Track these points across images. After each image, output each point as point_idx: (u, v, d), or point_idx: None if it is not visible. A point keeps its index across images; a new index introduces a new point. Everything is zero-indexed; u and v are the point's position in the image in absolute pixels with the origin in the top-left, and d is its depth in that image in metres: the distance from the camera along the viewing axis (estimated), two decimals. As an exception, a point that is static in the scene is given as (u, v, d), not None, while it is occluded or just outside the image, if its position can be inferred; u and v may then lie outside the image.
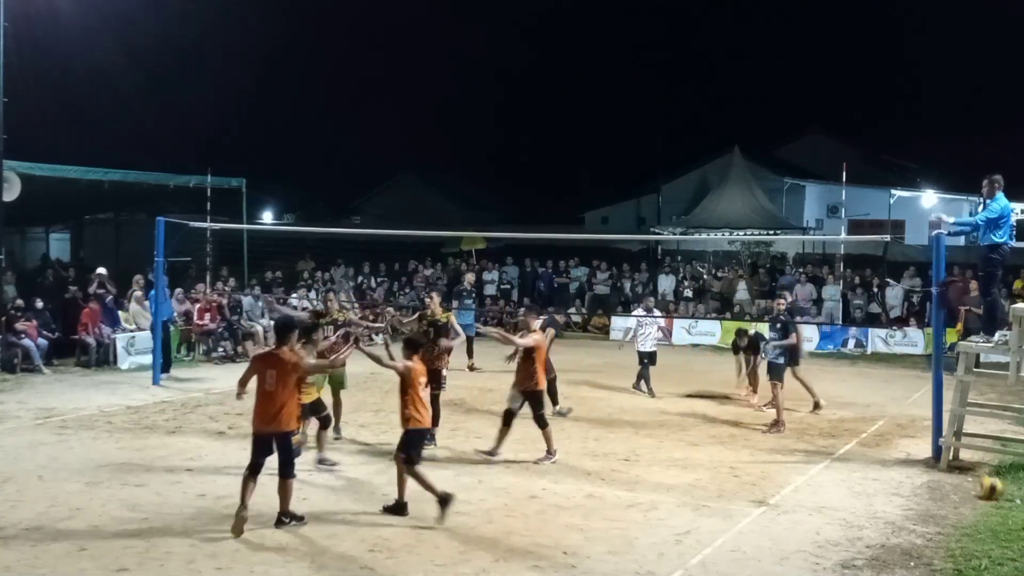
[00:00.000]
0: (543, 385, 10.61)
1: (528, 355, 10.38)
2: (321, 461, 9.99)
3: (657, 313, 15.60)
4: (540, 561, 7.31)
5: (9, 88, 16.50)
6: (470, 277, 20.40)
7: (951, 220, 11.24)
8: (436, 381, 10.70)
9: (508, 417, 10.48)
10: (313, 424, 10.25)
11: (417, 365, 8.59)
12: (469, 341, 17.07)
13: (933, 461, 10.60)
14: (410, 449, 8.41)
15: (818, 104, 62.58)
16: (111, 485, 9.19)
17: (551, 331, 13.69)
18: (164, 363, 16.01)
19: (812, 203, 35.07)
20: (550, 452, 10.45)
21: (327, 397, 10.67)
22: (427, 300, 11.59)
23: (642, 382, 15.01)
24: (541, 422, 10.47)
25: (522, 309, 11.84)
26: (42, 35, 24.36)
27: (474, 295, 19.35)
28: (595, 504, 8.89)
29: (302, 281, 23.08)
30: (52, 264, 24.10)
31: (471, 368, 17.07)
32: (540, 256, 25.80)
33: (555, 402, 13.29)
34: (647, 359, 15.02)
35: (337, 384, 11.24)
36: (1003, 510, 8.81)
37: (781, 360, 12.49)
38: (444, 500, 8.19)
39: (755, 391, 14.15)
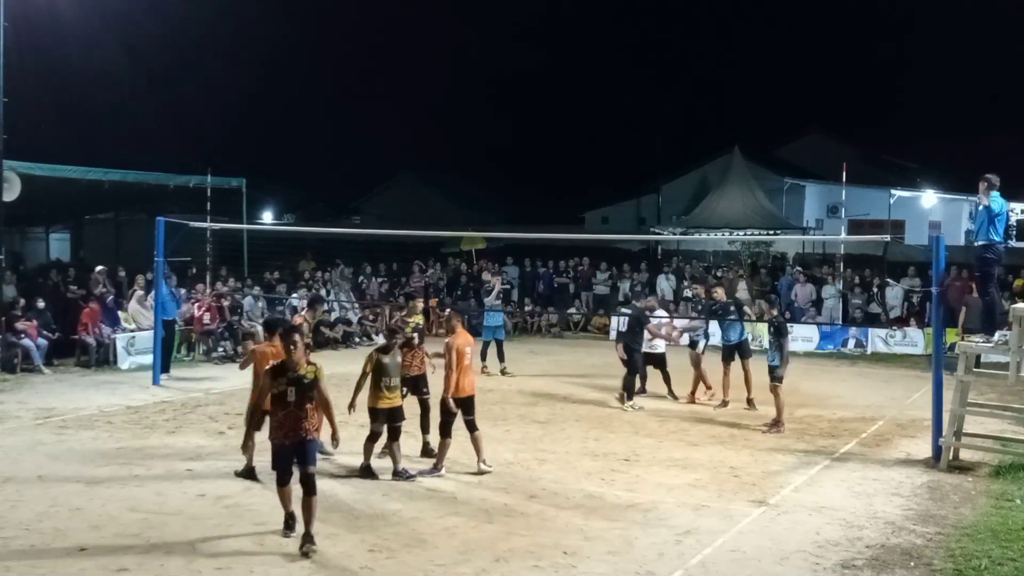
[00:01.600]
0: (461, 392, 9.68)
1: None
2: (397, 474, 9.60)
3: (661, 313, 15.50)
4: (540, 561, 7.32)
5: (9, 88, 16.49)
6: (495, 280, 20.46)
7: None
8: (420, 386, 10.61)
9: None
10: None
11: (266, 349, 8.88)
12: (499, 344, 16.97)
13: (933, 461, 10.60)
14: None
15: (818, 104, 62.77)
16: (111, 485, 9.19)
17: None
18: (164, 363, 16.01)
19: (812, 203, 35.05)
20: (437, 467, 9.83)
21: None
22: (412, 304, 11.31)
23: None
24: (444, 430, 9.74)
25: (447, 311, 11.59)
26: (42, 35, 24.40)
27: (501, 297, 19.26)
28: (595, 504, 8.89)
29: (303, 281, 23.08)
30: (22, 269, 23.84)
31: (504, 372, 16.71)
32: (540, 256, 25.77)
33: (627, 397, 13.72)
34: (648, 361, 14.71)
35: None
36: (1003, 510, 8.81)
37: (778, 361, 12.45)
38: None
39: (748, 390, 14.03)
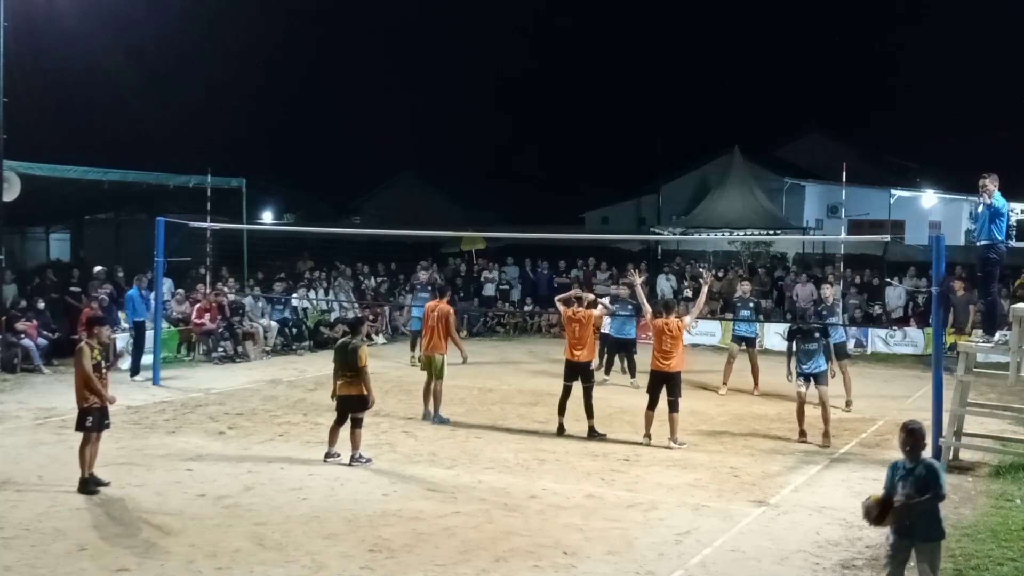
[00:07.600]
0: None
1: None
2: (354, 459, 10.13)
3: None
4: (540, 561, 7.32)
5: (9, 88, 16.47)
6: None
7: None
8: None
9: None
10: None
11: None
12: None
13: (933, 461, 10.59)
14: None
15: (818, 104, 62.71)
16: (111, 485, 9.19)
17: None
18: (134, 364, 15.83)
19: (812, 203, 35.03)
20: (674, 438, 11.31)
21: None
22: (97, 330, 10.35)
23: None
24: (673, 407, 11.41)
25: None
26: (42, 35, 24.37)
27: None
28: (595, 504, 8.89)
29: (303, 280, 23.07)
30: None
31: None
32: (540, 256, 25.71)
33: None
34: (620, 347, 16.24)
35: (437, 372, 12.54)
36: (1003, 510, 8.82)
37: (825, 366, 11.99)
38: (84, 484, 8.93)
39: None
